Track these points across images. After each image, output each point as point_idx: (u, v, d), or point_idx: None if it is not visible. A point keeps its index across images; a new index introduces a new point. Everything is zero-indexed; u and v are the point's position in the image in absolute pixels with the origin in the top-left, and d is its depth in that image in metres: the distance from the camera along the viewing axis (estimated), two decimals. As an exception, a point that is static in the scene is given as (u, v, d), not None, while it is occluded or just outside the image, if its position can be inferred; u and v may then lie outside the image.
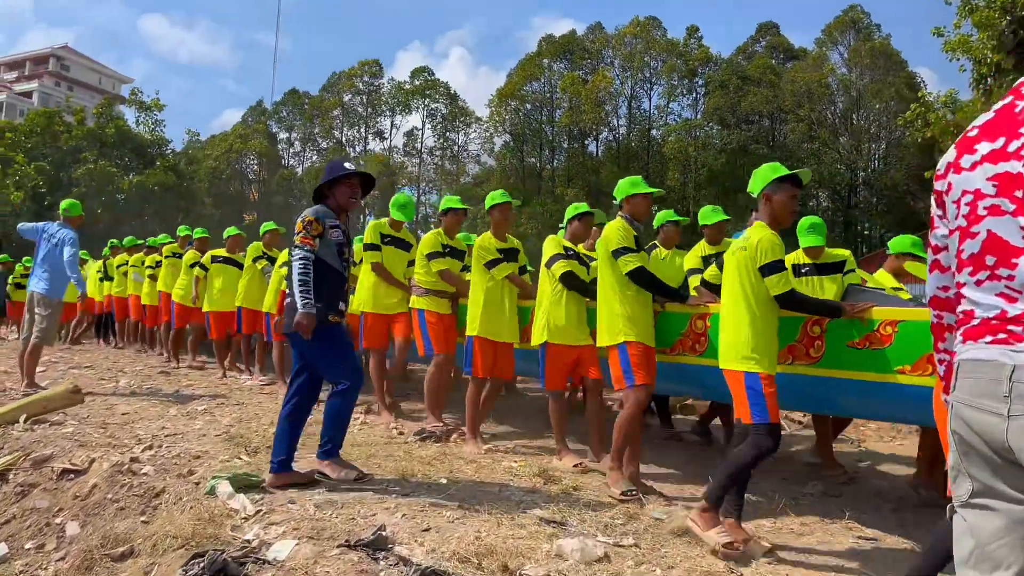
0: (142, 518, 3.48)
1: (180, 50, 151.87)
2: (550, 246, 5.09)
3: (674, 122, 49.47)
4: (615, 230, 4.45)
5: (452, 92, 60.01)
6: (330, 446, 4.13)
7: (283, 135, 65.09)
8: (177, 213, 36.74)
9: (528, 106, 53.32)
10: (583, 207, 5.41)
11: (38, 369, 8.71)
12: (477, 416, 5.54)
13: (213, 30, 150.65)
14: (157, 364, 10.01)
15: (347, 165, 4.16)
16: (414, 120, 68.50)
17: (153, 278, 10.98)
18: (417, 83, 60.56)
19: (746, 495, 3.73)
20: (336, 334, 4.09)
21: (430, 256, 6.07)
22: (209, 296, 9.12)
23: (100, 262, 13.31)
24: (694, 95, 49.73)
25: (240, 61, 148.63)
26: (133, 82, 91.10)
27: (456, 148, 60.86)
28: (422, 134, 61.31)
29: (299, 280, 3.90)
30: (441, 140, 60.73)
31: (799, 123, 44.61)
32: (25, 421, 5.00)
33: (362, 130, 62.97)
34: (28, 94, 72.43)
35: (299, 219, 4.06)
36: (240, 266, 9.03)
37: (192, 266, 9.60)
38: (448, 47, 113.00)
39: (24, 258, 16.57)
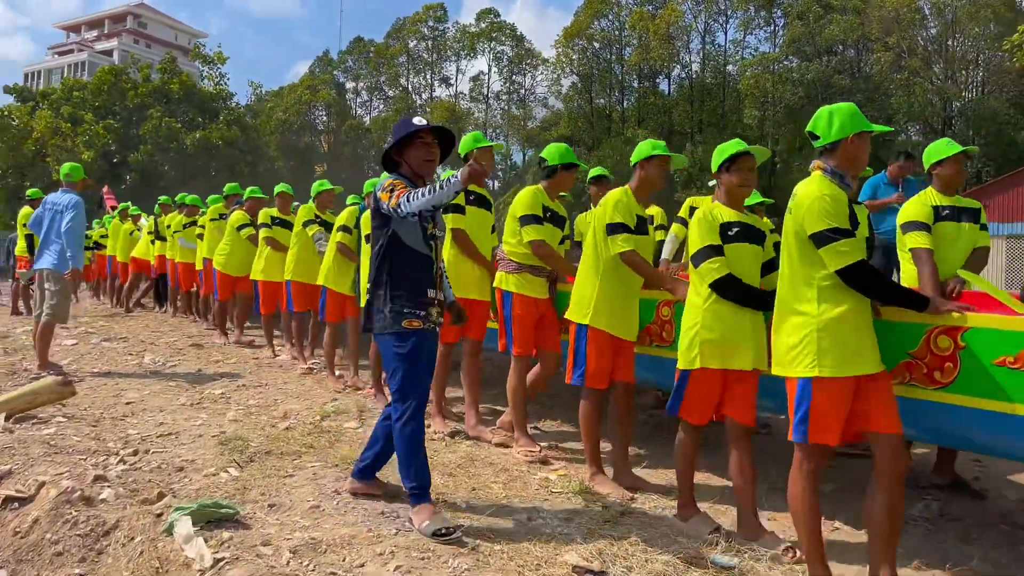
0: (77, 569, 2.85)
1: (253, 4, 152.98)
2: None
3: (750, 56, 46.82)
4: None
5: (519, 34, 58.39)
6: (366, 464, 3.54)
7: (350, 84, 64.77)
8: (244, 167, 36.83)
9: (596, 45, 51.35)
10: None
11: (68, 342, 8.38)
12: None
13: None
14: (196, 333, 9.57)
15: (416, 120, 3.30)
16: (480, 64, 67.25)
17: (200, 238, 9.75)
18: (483, 26, 59.14)
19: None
20: (421, 342, 3.26)
21: (524, 220, 4.64)
22: (258, 263, 7.93)
23: (152, 220, 12.46)
24: (772, 27, 46.89)
25: (309, 13, 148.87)
26: (207, 37, 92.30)
27: (523, 92, 59.44)
28: (488, 78, 60.10)
29: (420, 195, 2.92)
30: (508, 84, 59.40)
31: (886, 52, 41.51)
32: (7, 420, 4.48)
33: (428, 76, 62.09)
34: (109, 52, 73.89)
35: (377, 189, 3.22)
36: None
37: (240, 228, 8.47)
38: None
39: (95, 220, 16.48)
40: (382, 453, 3.50)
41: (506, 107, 59.65)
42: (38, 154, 32.24)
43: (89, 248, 14.34)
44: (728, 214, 3.44)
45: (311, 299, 7.18)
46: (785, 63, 43.68)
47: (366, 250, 5.64)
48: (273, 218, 7.92)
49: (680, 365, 3.42)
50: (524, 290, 4.64)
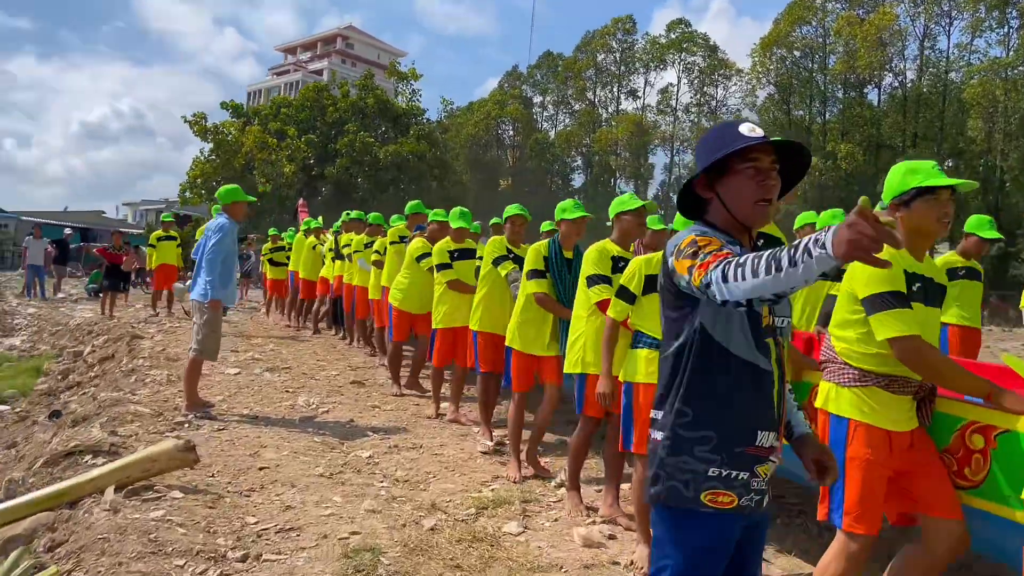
0: None
1: (449, 23, 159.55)
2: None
3: (978, 62, 41.85)
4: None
5: (711, 43, 56.07)
6: None
7: (537, 99, 65.05)
8: (431, 181, 37.52)
9: (797, 53, 48.11)
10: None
11: (231, 371, 8.06)
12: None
13: (478, 1, 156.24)
14: (360, 364, 9.04)
15: (745, 129, 1.91)
16: (669, 76, 65.34)
17: (379, 265, 8.69)
18: (673, 36, 57.40)
19: None
20: (726, 532, 1.91)
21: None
22: (439, 309, 6.49)
23: (332, 237, 12.10)
24: (1006, 28, 41.65)
25: (502, 30, 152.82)
26: (406, 55, 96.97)
27: (714, 103, 56.97)
28: (677, 90, 58.21)
29: (752, 268, 1.54)
30: (698, 96, 57.21)
31: None
32: (117, 492, 3.89)
33: (615, 89, 61.06)
34: (319, 72, 79.28)
35: (671, 257, 1.87)
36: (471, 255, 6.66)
37: (420, 258, 7.02)
38: (707, 0, 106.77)
39: (270, 230, 16.81)
40: None
41: (696, 120, 57.39)
42: (246, 167, 34.46)
43: (279, 264, 14.48)
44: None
45: (501, 356, 5.73)
46: (1021, 69, 38.61)
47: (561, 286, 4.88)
48: (452, 252, 6.45)
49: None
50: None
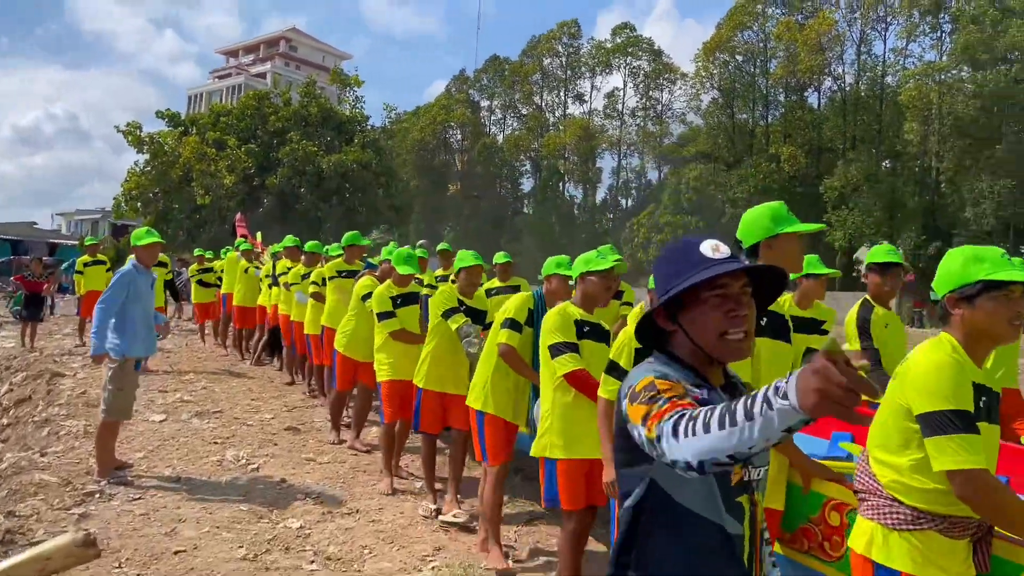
0: None
1: (395, 25, 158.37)
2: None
3: (913, 66, 42.89)
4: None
5: (656, 48, 56.52)
6: None
7: (485, 103, 64.83)
8: (377, 189, 36.89)
9: (739, 58, 48.76)
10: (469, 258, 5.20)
11: (156, 418, 7.54)
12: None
13: (426, 3, 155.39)
14: (298, 404, 8.58)
15: (707, 249, 1.62)
16: (615, 80, 65.76)
17: (318, 298, 7.95)
18: (619, 41, 57.77)
19: None
20: None
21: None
22: (382, 359, 5.84)
23: (270, 263, 11.45)
24: (938, 33, 42.77)
25: (449, 31, 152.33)
26: (352, 58, 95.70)
27: (660, 108, 57.45)
28: (623, 94, 58.62)
29: (706, 425, 1.25)
30: (644, 100, 57.67)
31: (1080, 58, 36.79)
32: (3, 603, 3.44)
33: (562, 94, 61.20)
34: (262, 75, 77.79)
35: (625, 400, 1.55)
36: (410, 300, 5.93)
37: (366, 298, 6.25)
38: (651, 2, 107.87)
39: (196, 250, 16.12)
40: None
41: (642, 123, 57.80)
42: (184, 178, 33.39)
43: (207, 285, 13.83)
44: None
45: (445, 417, 5.28)
46: (954, 72, 39.64)
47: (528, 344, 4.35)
48: (395, 298, 5.72)
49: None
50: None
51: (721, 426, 1.21)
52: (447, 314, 5.07)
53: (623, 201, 62.49)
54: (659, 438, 1.34)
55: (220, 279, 13.48)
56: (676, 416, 1.32)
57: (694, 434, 1.26)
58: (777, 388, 1.15)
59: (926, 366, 2.13)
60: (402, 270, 5.66)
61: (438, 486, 5.47)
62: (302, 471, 6.06)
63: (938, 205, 41.30)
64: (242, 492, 5.45)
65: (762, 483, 1.68)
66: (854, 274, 38.21)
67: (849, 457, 3.56)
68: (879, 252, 4.20)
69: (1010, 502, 2.08)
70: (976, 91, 37.03)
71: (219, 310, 13.72)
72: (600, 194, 62.57)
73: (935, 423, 2.07)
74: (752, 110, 49.57)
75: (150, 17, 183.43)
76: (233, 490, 5.49)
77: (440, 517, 4.98)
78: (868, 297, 4.21)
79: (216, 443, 6.76)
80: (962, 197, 37.95)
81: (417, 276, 6.30)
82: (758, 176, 44.04)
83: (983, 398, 2.15)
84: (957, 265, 2.20)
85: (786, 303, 2.94)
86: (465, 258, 5.26)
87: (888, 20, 44.59)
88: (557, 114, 61.41)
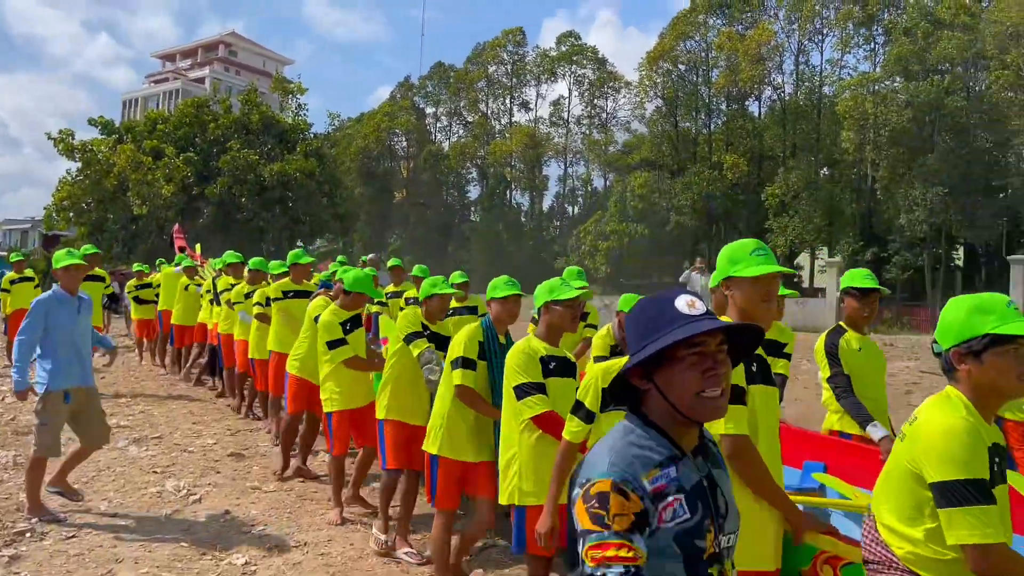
0: None
1: (337, 29, 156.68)
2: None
3: (848, 76, 44.06)
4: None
5: (600, 56, 56.97)
6: None
7: (430, 110, 64.51)
8: (321, 198, 36.32)
9: (682, 67, 49.43)
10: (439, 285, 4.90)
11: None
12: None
13: (369, 8, 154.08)
14: (242, 428, 8.29)
15: (683, 305, 1.57)
16: (560, 89, 66.18)
17: (263, 319, 7.57)
18: (563, 49, 58.06)
19: None
20: None
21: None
22: (330, 388, 5.59)
23: (210, 279, 11.05)
24: (872, 45, 44.05)
25: (393, 37, 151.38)
26: (294, 63, 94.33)
27: (605, 116, 57.90)
28: (568, 102, 58.85)
29: None
30: (589, 108, 58.03)
31: (1004, 71, 38.19)
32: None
33: (507, 101, 61.20)
34: (201, 80, 75.99)
35: (578, 489, 1.52)
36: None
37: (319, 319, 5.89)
38: (594, 10, 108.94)
39: (135, 265, 15.59)
40: None
41: (587, 131, 58.18)
42: (119, 188, 32.33)
43: (145, 302, 13.33)
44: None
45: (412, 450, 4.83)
46: (887, 83, 40.81)
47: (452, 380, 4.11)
48: (345, 323, 5.42)
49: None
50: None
51: None
52: (409, 339, 4.82)
53: (570, 209, 62.80)
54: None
55: (158, 295, 13.03)
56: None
57: None
58: None
59: (940, 430, 2.01)
60: (353, 287, 5.46)
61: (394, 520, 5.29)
62: (247, 500, 5.84)
63: (875, 212, 42.40)
64: (183, 526, 5.22)
65: (732, 549, 1.65)
66: (795, 279, 39.01)
67: (822, 488, 3.45)
68: (857, 276, 4.09)
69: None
70: (908, 101, 38.13)
71: (155, 328, 13.27)
72: (547, 201, 62.81)
73: (950, 493, 1.95)
74: (695, 119, 50.23)
75: (82, 19, 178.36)
76: (174, 524, 5.26)
77: (394, 553, 4.81)
78: (842, 322, 4.14)
79: (155, 472, 6.48)
80: (896, 204, 39.02)
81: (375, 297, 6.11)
82: (702, 183, 44.62)
83: (996, 459, 2.04)
84: (962, 316, 2.08)
85: None
86: (435, 285, 4.91)
87: (824, 32, 45.71)
88: (503, 121, 61.40)
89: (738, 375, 2.42)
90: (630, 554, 1.39)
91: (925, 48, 38.40)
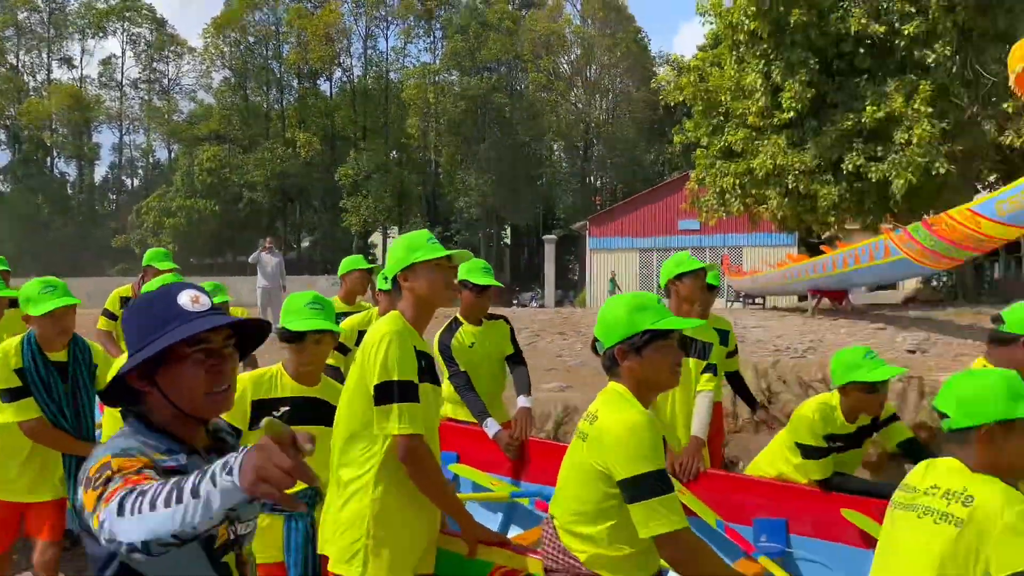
0: None
1: None
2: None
3: (412, 66, 46.99)
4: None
5: (159, 16, 52.23)
6: None
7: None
8: None
9: (251, 39, 47.78)
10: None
11: None
12: None
13: None
14: None
15: (186, 300, 1.51)
16: (112, 46, 59.14)
17: None
18: (113, 3, 51.84)
19: None
20: None
21: None
22: None
23: None
24: (432, 38, 47.54)
25: None
26: None
27: (167, 82, 53.37)
28: (123, 63, 52.92)
29: (152, 503, 1.16)
30: (147, 72, 52.86)
31: (538, 73, 44.23)
32: None
33: (44, 55, 52.85)
34: None
35: (84, 472, 1.36)
36: None
37: None
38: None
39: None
40: None
41: (147, 97, 53.10)
42: None
43: None
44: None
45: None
46: (446, 75, 44.42)
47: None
48: None
49: None
50: None
51: (167, 503, 1.14)
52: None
53: (128, 181, 56.86)
54: (103, 523, 1.21)
55: None
56: (124, 493, 1.21)
57: (140, 512, 1.16)
58: (227, 464, 1.12)
59: (626, 428, 2.04)
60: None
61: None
62: None
63: (439, 194, 46.08)
64: None
65: (251, 536, 1.67)
66: (369, 258, 40.56)
67: (782, 553, 3.12)
68: (474, 270, 3.88)
69: (716, 562, 2.13)
70: (463, 94, 42.01)
71: None
72: (100, 172, 55.98)
73: (643, 487, 1.99)
74: (266, 93, 49.09)
75: None
76: None
77: None
78: (458, 315, 4.07)
79: None
80: (456, 188, 42.94)
81: None
82: (275, 160, 43.87)
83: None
84: (623, 315, 2.15)
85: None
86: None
87: (389, 20, 47.95)
88: (39, 78, 53.04)
89: (411, 371, 2.35)
90: (141, 475, 1.28)
91: (476, 47, 42.59)
